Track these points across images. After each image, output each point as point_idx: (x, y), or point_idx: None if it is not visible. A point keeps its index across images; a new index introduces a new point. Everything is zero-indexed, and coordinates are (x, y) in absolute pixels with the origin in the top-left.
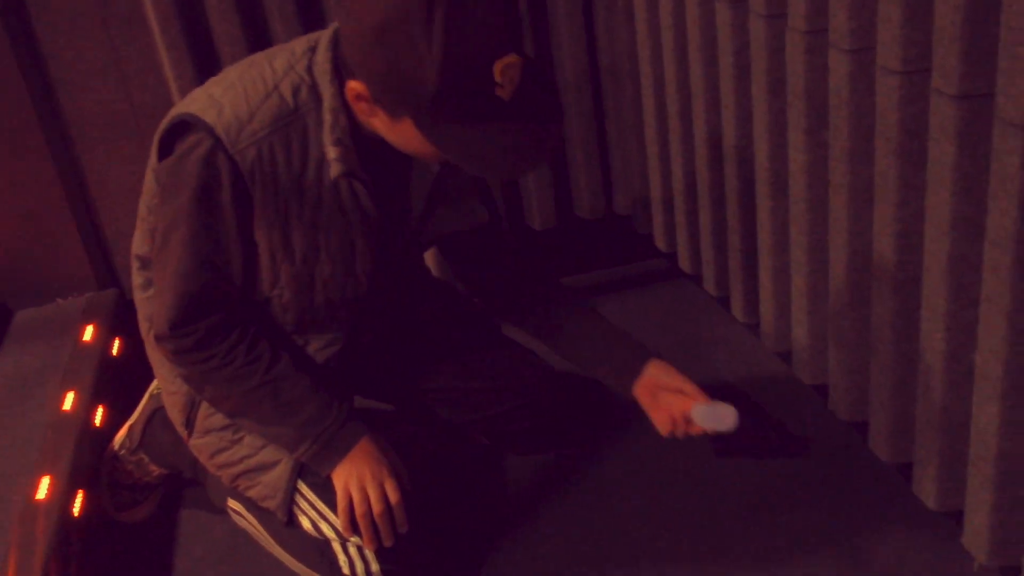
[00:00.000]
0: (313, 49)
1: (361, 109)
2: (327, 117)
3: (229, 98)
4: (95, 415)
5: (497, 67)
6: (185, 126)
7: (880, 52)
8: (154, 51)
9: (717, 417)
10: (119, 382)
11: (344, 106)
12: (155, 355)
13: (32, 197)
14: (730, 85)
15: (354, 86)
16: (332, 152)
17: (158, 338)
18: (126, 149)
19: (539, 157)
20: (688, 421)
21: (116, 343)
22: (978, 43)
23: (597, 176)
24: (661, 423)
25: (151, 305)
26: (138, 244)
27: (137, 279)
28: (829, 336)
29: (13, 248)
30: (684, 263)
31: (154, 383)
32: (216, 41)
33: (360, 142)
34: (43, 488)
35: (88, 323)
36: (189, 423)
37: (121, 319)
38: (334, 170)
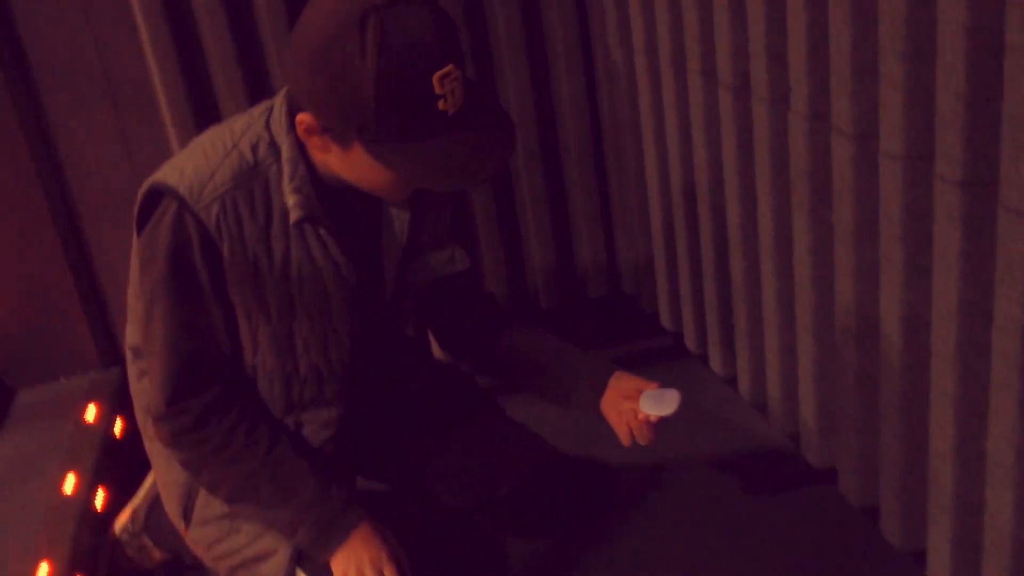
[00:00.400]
0: (270, 108)
1: (314, 144)
2: (286, 168)
3: (190, 161)
4: (96, 497)
5: (435, 77)
6: (155, 196)
7: (883, 137)
8: (163, 131)
9: (660, 402)
10: (121, 463)
11: (302, 155)
12: (153, 447)
13: (37, 274)
14: (733, 166)
15: (303, 118)
16: (291, 199)
17: (156, 419)
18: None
19: (491, 166)
20: (638, 416)
21: (119, 423)
22: (980, 130)
23: (602, 254)
24: (622, 434)
25: (148, 396)
26: (131, 335)
27: (132, 370)
28: (838, 418)
29: (17, 325)
30: (690, 342)
31: None
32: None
33: (321, 190)
34: (42, 574)
35: (91, 402)
36: (186, 514)
37: (124, 398)
38: (293, 215)
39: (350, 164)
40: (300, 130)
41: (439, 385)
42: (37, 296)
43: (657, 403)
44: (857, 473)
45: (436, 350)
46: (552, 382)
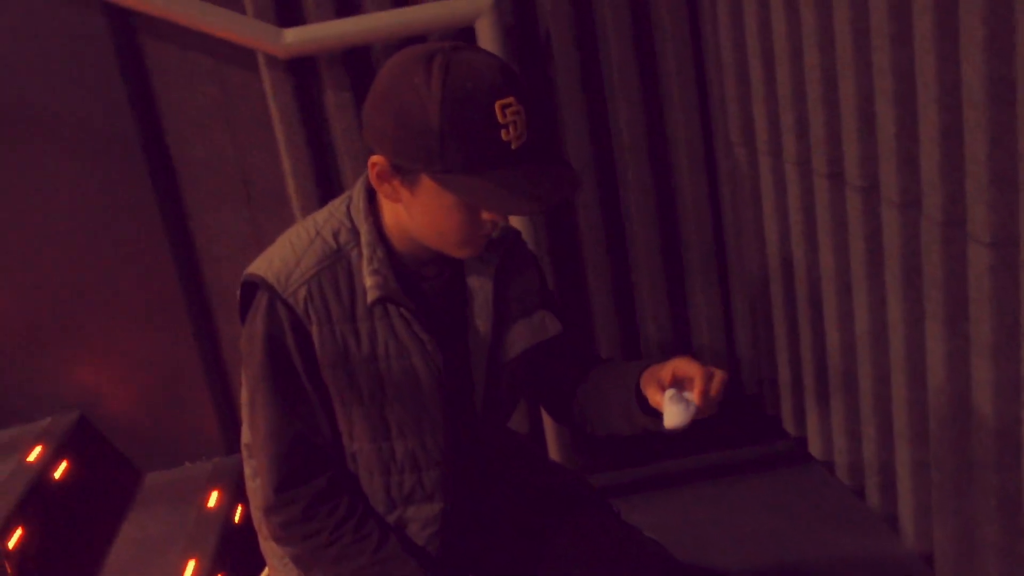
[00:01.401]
0: (350, 197)
1: (386, 193)
2: (365, 251)
3: (278, 252)
4: None
5: (497, 105)
6: (249, 288)
7: None
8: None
9: (671, 412)
10: (241, 550)
11: (381, 239)
12: (267, 546)
13: (169, 364)
14: (861, 271)
15: (375, 160)
16: (370, 280)
17: (266, 511)
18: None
19: (556, 195)
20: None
21: (239, 510)
22: None
23: (723, 355)
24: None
25: (260, 494)
26: (244, 432)
27: (247, 469)
28: (976, 539)
29: (148, 411)
30: (815, 449)
31: None
32: None
33: (401, 271)
34: None
35: (214, 488)
36: None
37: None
38: (370, 296)
39: (420, 208)
40: (372, 175)
41: (548, 484)
42: (167, 383)
43: (669, 412)
44: None
45: (552, 451)
46: (620, 419)
